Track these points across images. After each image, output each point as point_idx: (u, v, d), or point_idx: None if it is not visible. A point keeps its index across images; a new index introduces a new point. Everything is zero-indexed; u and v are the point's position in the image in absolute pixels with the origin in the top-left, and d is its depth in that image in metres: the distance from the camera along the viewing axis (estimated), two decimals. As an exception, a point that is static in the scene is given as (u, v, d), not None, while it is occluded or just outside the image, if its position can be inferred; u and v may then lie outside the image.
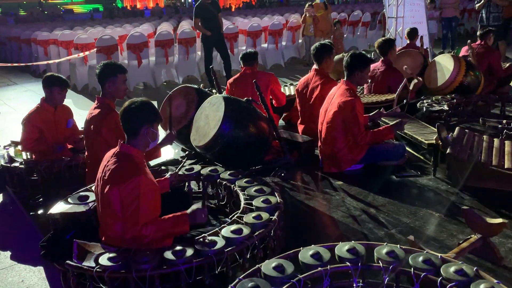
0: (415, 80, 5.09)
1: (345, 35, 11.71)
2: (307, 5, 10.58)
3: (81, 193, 2.90)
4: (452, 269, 1.89)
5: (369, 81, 5.18)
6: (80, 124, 4.12)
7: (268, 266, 1.99)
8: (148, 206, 2.34)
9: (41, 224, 3.33)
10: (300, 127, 4.83)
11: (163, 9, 33.75)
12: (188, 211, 2.43)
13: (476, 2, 8.56)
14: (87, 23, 16.31)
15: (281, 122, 5.60)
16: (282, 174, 3.89)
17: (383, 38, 5.62)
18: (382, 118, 4.50)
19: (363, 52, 4.07)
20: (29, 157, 4.04)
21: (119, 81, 3.35)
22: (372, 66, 5.35)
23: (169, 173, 3.01)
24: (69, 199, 2.83)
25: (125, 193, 2.28)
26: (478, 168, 3.38)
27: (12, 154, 4.01)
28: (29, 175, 3.73)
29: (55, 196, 3.31)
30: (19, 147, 4.14)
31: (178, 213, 2.43)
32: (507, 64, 6.24)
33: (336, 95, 3.91)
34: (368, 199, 3.53)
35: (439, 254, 2.04)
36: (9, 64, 9.88)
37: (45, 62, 9.84)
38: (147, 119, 2.47)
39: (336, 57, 5.89)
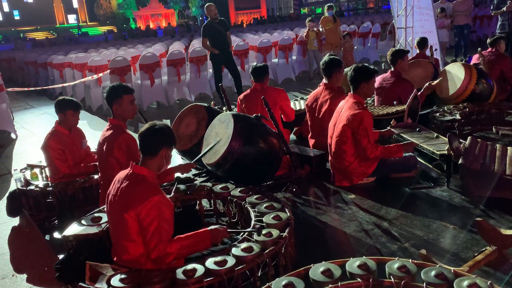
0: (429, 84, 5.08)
1: (355, 47, 11.73)
2: (307, 20, 10.66)
3: (94, 215, 2.95)
4: (465, 283, 1.86)
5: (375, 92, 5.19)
6: (94, 144, 4.20)
7: (278, 284, 1.98)
8: (167, 224, 2.39)
9: (56, 246, 3.38)
10: (311, 141, 4.83)
11: (175, 28, 34.35)
12: (210, 228, 2.51)
13: (492, 8, 8.50)
14: (101, 45, 16.69)
15: (292, 136, 5.61)
16: (294, 189, 3.89)
17: (393, 49, 5.61)
18: (396, 131, 4.48)
19: (366, 64, 4.07)
20: (44, 180, 4.12)
21: (125, 102, 3.40)
22: (381, 77, 5.35)
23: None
24: (82, 221, 2.87)
25: (143, 214, 2.32)
26: (492, 177, 3.32)
27: (28, 177, 4.09)
28: (44, 197, 3.80)
29: (70, 217, 3.37)
30: (35, 170, 4.23)
31: (199, 230, 2.50)
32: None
33: (344, 108, 3.91)
34: (380, 212, 3.49)
35: (452, 268, 2.01)
36: (26, 89, 10.14)
37: (60, 85, 10.07)
38: (168, 141, 2.54)
39: (346, 69, 5.90)
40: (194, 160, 3.63)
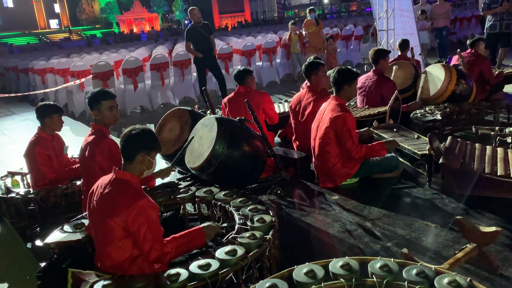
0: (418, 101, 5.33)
1: (338, 50, 11.82)
2: (290, 23, 10.72)
3: (76, 221, 2.92)
4: (445, 280, 1.90)
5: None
6: (76, 150, 4.16)
7: (262, 286, 1.99)
8: (157, 225, 2.41)
9: (38, 254, 3.34)
10: (295, 144, 4.86)
11: (159, 32, 34.22)
12: (203, 225, 2.60)
13: (482, 8, 8.64)
14: (84, 50, 16.53)
15: (276, 139, 5.63)
16: (278, 192, 3.91)
17: (376, 48, 5.70)
18: (377, 131, 4.54)
19: (349, 66, 4.13)
20: (26, 187, 4.06)
21: (103, 108, 3.37)
22: (364, 76, 5.42)
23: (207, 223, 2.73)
24: (64, 228, 2.84)
25: (131, 219, 2.31)
26: (472, 176, 3.39)
27: (9, 184, 4.03)
28: (26, 205, 3.75)
29: (52, 225, 3.32)
30: (16, 178, 4.17)
31: (192, 228, 2.57)
32: (498, 71, 6.28)
33: (326, 110, 3.95)
34: (363, 212, 3.53)
35: (433, 266, 2.05)
36: (6, 95, 9.98)
37: (42, 91, 9.93)
38: (145, 146, 2.50)
39: (329, 72, 5.96)
40: (172, 163, 3.66)
